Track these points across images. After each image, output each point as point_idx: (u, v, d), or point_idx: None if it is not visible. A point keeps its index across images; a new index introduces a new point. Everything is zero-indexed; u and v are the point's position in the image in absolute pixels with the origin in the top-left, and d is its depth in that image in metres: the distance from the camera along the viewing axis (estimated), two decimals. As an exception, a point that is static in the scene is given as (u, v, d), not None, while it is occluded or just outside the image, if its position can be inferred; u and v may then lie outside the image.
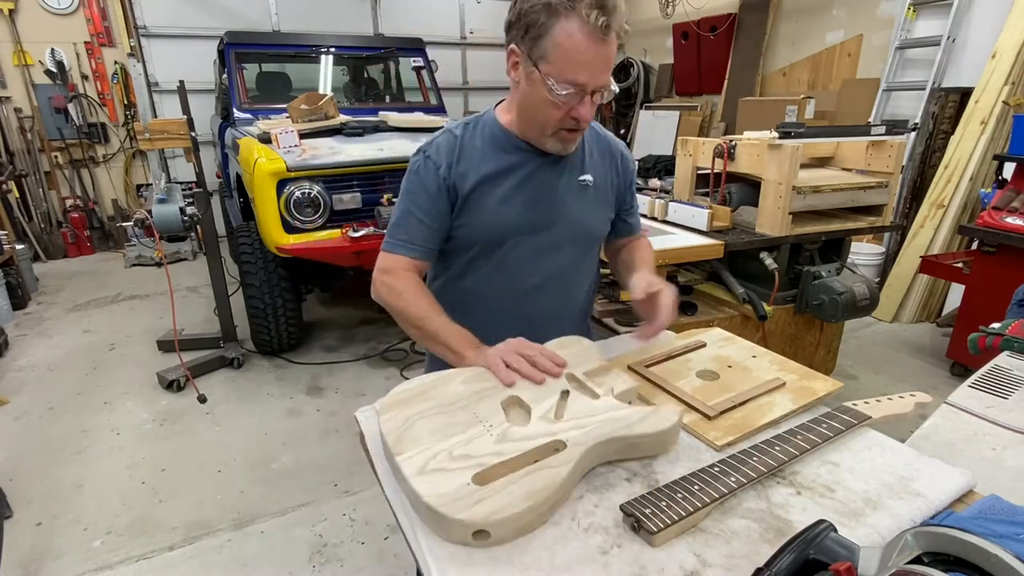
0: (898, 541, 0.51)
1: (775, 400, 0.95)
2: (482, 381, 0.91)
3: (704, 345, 1.15)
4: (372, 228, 2.92)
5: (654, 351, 1.11)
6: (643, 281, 1.08)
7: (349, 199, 2.98)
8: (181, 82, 3.13)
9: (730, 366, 1.07)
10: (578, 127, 1.05)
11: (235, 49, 4.06)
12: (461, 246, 1.16)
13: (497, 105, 1.18)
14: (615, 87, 1.04)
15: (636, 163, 1.35)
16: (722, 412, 0.91)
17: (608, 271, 2.73)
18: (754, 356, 1.10)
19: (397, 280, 1.10)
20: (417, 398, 0.86)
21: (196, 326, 3.78)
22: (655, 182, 2.87)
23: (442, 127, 1.19)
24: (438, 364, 1.25)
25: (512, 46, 1.02)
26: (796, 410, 0.93)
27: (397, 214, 1.15)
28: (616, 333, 2.12)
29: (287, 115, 3.47)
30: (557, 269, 1.19)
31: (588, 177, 1.19)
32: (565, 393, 0.88)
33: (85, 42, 5.47)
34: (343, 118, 3.46)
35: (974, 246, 3.16)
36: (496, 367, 0.92)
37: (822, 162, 2.65)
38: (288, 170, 2.83)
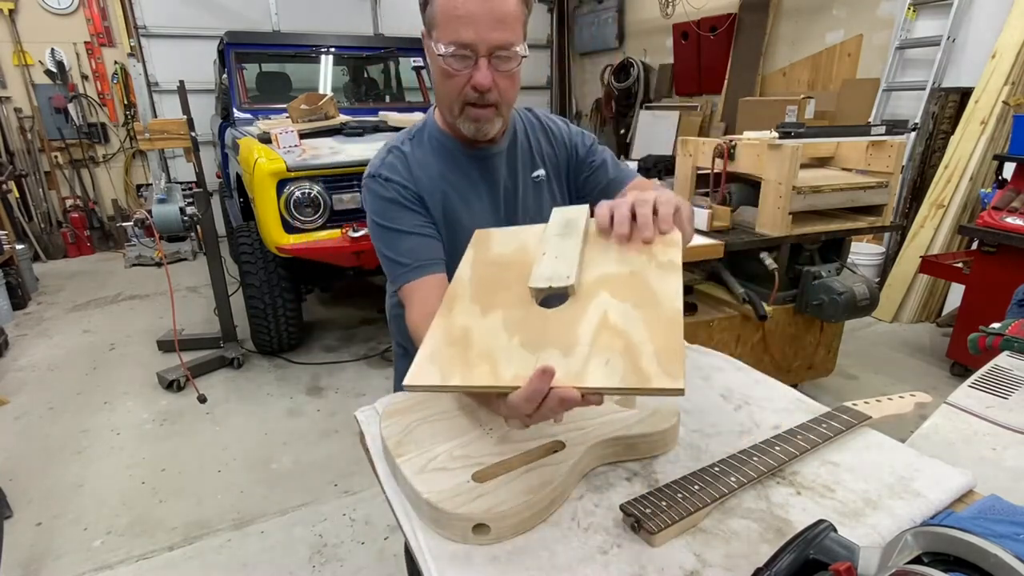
0: (898, 541, 0.51)
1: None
2: None
3: None
4: (372, 228, 2.92)
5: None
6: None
7: (349, 199, 2.98)
8: (181, 82, 3.13)
9: None
10: (483, 101, 0.93)
11: (235, 49, 4.06)
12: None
13: (435, 108, 1.10)
14: (523, 49, 0.91)
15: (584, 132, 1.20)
16: None
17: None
18: None
19: (422, 308, 0.91)
20: (418, 406, 0.88)
21: (196, 326, 3.78)
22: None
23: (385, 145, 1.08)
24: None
25: (423, 30, 0.95)
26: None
27: (386, 248, 1.00)
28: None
29: (287, 115, 3.47)
30: None
31: (540, 172, 1.12)
32: None
33: (85, 42, 5.47)
34: (343, 118, 3.46)
35: (974, 246, 3.16)
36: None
37: (822, 162, 2.65)
38: (288, 170, 2.83)
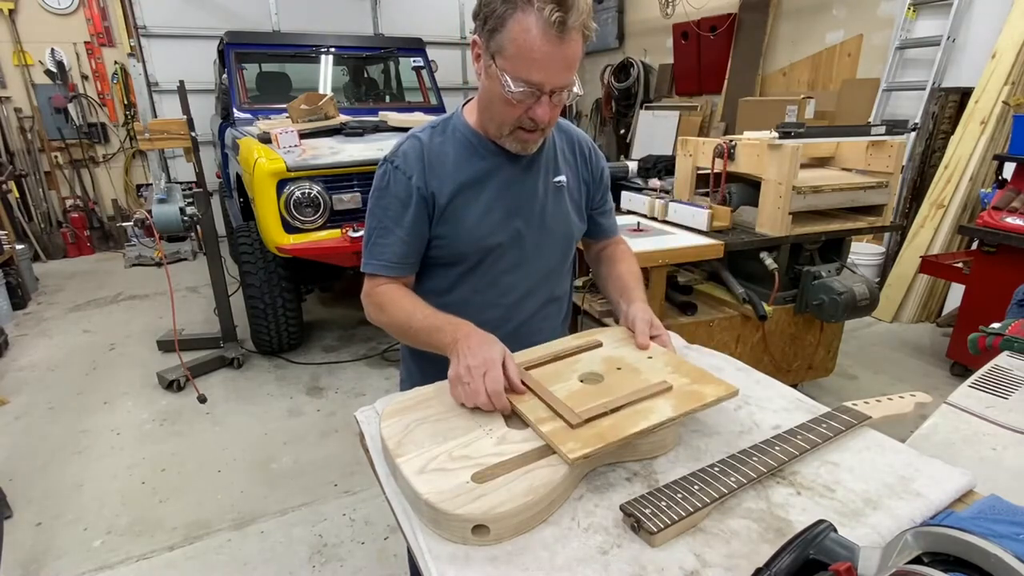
0: (898, 541, 0.51)
1: (655, 406, 0.83)
2: None
3: (600, 345, 1.04)
4: (372, 228, 2.92)
5: (539, 352, 1.01)
6: (643, 323, 1.04)
7: (349, 199, 2.98)
8: (181, 82, 3.13)
9: (619, 368, 0.95)
10: (536, 128, 1.00)
11: (235, 49, 4.06)
12: (444, 262, 1.12)
13: (465, 104, 1.12)
14: (579, 88, 0.97)
15: (607, 162, 1.30)
16: (588, 420, 0.80)
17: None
18: (649, 357, 0.99)
19: (379, 295, 1.08)
20: (418, 406, 0.88)
21: (196, 326, 3.78)
22: (655, 182, 2.87)
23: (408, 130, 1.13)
24: (414, 367, 1.23)
25: (475, 37, 0.97)
26: (676, 417, 0.81)
27: (370, 231, 1.09)
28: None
29: (287, 115, 3.47)
30: (542, 274, 1.17)
31: (562, 178, 1.15)
32: None
33: (85, 42, 5.47)
34: (343, 118, 3.46)
35: (974, 246, 3.16)
36: (453, 391, 0.88)
37: (822, 162, 2.65)
38: (288, 170, 2.83)
